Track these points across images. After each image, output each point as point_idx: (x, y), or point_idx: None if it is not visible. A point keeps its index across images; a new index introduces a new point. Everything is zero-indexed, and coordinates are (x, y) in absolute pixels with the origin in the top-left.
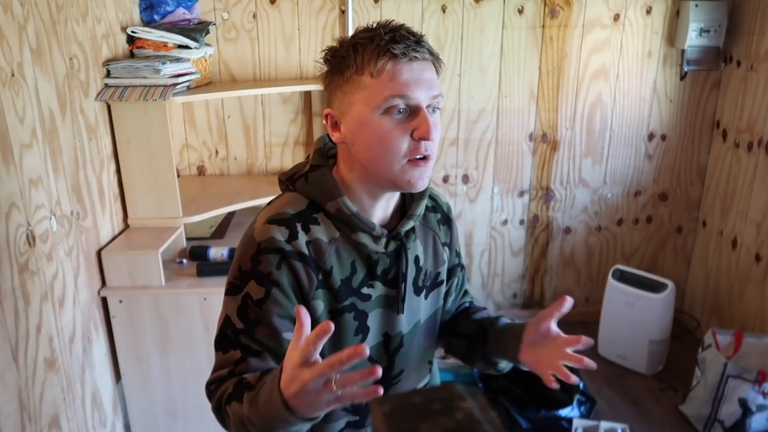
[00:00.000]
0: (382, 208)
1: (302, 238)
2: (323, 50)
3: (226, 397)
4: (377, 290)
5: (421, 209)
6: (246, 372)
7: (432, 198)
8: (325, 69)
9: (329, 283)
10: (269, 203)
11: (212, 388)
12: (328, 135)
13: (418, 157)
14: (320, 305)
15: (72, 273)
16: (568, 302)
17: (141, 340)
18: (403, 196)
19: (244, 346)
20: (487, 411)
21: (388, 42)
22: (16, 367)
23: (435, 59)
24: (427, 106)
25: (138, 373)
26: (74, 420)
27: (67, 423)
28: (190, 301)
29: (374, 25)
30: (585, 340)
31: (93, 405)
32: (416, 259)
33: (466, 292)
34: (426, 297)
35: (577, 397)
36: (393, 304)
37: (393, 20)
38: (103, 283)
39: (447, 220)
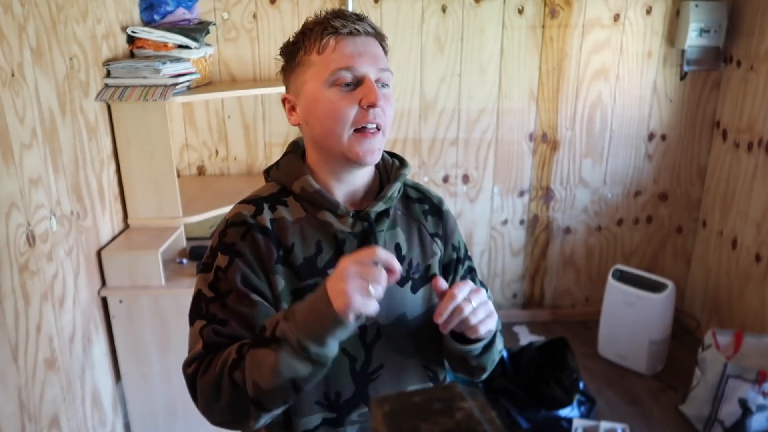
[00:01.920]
0: (347, 189)
1: (267, 215)
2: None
3: (230, 367)
4: None
5: (392, 191)
6: (210, 337)
7: (420, 191)
8: (282, 62)
9: (290, 259)
10: None
11: (191, 370)
12: None
13: (368, 127)
14: (281, 282)
15: (72, 273)
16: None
17: (141, 340)
18: (380, 181)
19: (211, 315)
20: (487, 411)
21: (330, 20)
22: (16, 367)
23: (378, 35)
24: (376, 81)
25: (138, 373)
26: (74, 420)
27: (67, 423)
28: (190, 302)
29: (322, 13)
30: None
31: (93, 405)
32: (397, 246)
33: None
34: (414, 291)
35: (577, 397)
36: None
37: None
38: (103, 283)
39: (437, 212)
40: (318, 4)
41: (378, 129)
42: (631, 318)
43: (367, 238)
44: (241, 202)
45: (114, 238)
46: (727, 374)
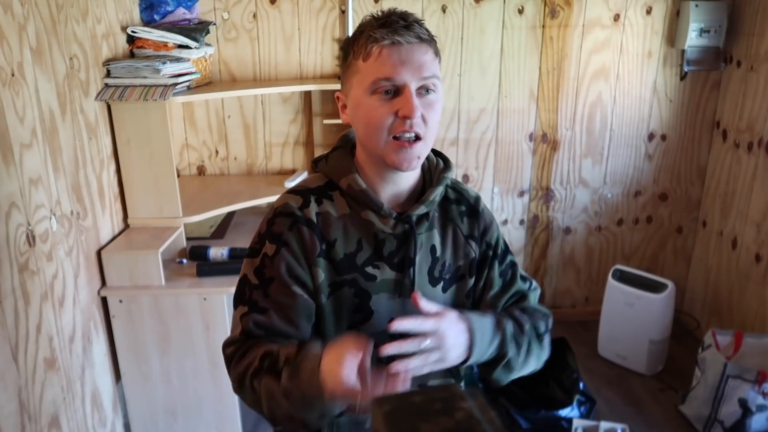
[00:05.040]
0: (392, 190)
1: (313, 208)
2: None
3: (252, 372)
4: (384, 273)
5: (434, 195)
6: (248, 326)
7: (457, 191)
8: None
9: (331, 254)
10: None
11: (229, 353)
12: None
13: (405, 136)
14: (321, 274)
15: (72, 273)
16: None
17: (141, 340)
18: (423, 183)
19: (253, 301)
20: (487, 411)
21: (376, 28)
22: (16, 367)
23: (426, 42)
24: (420, 87)
25: (138, 373)
26: (74, 420)
27: (66, 423)
28: (190, 301)
29: (379, 13)
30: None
31: (93, 405)
32: (432, 248)
33: (523, 297)
34: (444, 290)
35: (577, 397)
36: (402, 290)
37: (395, 8)
38: (103, 283)
39: (473, 212)
40: (318, 4)
41: (417, 138)
42: (631, 318)
43: (407, 240)
44: (289, 192)
45: (114, 238)
46: (727, 374)
